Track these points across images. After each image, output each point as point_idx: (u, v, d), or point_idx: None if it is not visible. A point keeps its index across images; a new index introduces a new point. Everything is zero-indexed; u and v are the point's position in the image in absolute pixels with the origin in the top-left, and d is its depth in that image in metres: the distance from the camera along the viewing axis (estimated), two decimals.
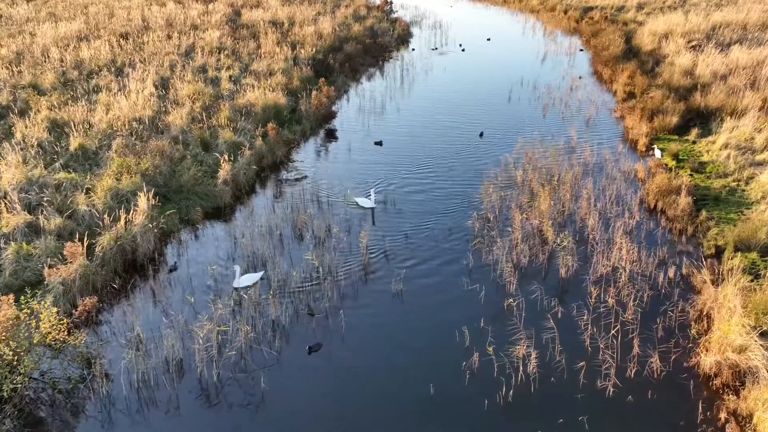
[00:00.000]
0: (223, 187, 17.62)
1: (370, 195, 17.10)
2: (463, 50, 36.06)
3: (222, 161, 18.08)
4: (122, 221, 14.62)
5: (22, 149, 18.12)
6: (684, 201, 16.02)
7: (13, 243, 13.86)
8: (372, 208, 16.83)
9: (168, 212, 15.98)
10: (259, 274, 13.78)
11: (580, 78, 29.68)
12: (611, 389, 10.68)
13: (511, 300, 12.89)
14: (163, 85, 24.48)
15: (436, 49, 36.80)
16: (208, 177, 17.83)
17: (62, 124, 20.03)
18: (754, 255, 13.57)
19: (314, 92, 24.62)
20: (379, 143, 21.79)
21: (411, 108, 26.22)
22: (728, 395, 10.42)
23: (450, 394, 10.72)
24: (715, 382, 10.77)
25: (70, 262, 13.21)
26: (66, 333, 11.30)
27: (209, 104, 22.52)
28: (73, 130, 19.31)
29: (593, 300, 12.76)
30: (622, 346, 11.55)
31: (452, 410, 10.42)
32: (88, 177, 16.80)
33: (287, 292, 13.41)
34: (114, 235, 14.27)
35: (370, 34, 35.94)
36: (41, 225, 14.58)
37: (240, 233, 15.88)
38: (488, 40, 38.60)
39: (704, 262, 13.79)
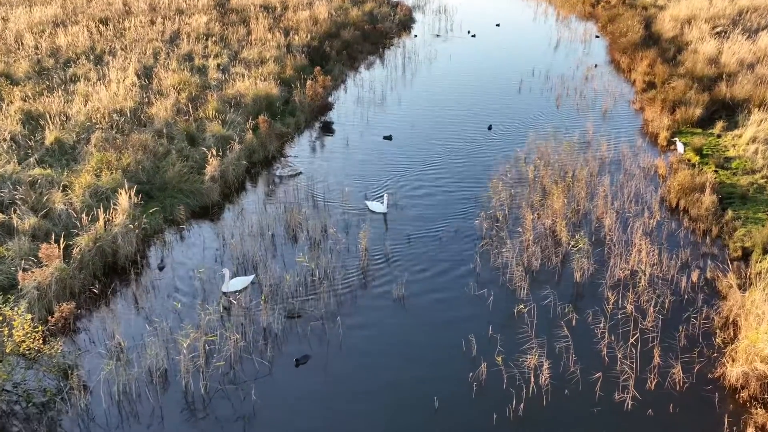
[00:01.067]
0: (211, 184, 17.62)
1: (382, 199, 16.90)
2: (473, 36, 36.13)
3: (209, 156, 18.09)
4: (102, 221, 14.62)
5: None
6: (708, 199, 16.02)
7: None
8: (384, 214, 16.66)
9: (151, 211, 15.98)
10: (250, 278, 13.78)
11: (595, 66, 29.69)
12: (630, 402, 10.68)
13: (521, 306, 12.90)
14: (146, 74, 24.47)
15: (440, 36, 36.81)
16: (194, 173, 17.83)
17: (37, 116, 20.03)
18: None
19: (309, 82, 24.62)
20: (388, 138, 21.76)
21: (413, 99, 26.21)
22: (756, 409, 10.42)
23: (456, 407, 10.71)
24: (741, 394, 10.77)
25: (46, 265, 13.21)
26: (41, 341, 11.30)
27: (196, 95, 22.50)
28: (49, 122, 19.31)
29: (610, 306, 12.77)
30: (641, 356, 11.55)
31: (458, 425, 10.41)
32: (65, 173, 16.80)
33: (280, 297, 13.41)
34: (93, 236, 14.27)
35: (369, 20, 35.92)
36: (14, 225, 14.57)
37: (229, 234, 15.89)
38: (497, 26, 38.59)
39: (730, 266, 13.79)
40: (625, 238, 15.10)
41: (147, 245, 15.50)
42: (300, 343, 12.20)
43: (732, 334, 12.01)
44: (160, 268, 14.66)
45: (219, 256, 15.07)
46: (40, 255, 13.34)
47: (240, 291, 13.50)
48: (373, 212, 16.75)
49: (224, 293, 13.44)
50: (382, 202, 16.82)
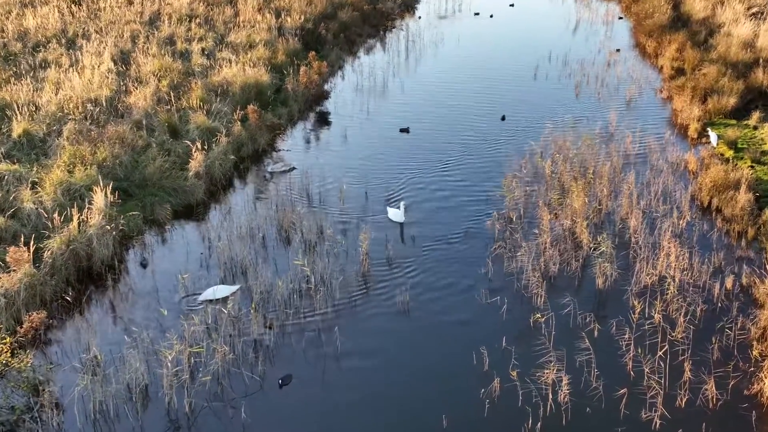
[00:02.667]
0: (195, 180, 17.64)
1: (399, 206, 16.32)
2: (491, 16, 36.27)
3: (194, 150, 18.11)
4: (75, 222, 14.63)
5: None
6: (744, 198, 16.04)
7: None
8: (401, 223, 16.20)
9: (130, 211, 15.99)
10: (236, 287, 13.77)
11: (617, 51, 29.71)
12: (658, 421, 10.69)
13: (538, 315, 12.92)
14: (123, 59, 24.49)
15: (446, 17, 36.86)
16: (177, 169, 17.85)
17: (3, 106, 20.04)
18: None
19: (303, 68, 24.65)
20: (405, 130, 21.71)
21: (418, 87, 26.23)
22: None
23: (466, 427, 10.73)
24: None
25: (14, 270, 13.23)
26: (9, 354, 11.32)
27: (178, 82, 22.52)
28: (17, 113, 19.32)
29: (636, 315, 12.78)
30: (670, 370, 11.57)
31: None
32: (35, 169, 16.82)
33: (272, 305, 13.44)
34: (66, 238, 14.28)
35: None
36: None
37: (215, 236, 15.91)
38: (511, 6, 38.69)
39: None
40: (652, 241, 15.11)
41: (125, 248, 15.52)
42: (294, 356, 12.22)
43: None
44: (143, 266, 14.69)
45: (205, 259, 15.09)
46: (7, 259, 13.36)
47: (228, 297, 13.47)
48: (392, 221, 16.35)
49: (208, 300, 13.44)
50: (399, 210, 16.24)
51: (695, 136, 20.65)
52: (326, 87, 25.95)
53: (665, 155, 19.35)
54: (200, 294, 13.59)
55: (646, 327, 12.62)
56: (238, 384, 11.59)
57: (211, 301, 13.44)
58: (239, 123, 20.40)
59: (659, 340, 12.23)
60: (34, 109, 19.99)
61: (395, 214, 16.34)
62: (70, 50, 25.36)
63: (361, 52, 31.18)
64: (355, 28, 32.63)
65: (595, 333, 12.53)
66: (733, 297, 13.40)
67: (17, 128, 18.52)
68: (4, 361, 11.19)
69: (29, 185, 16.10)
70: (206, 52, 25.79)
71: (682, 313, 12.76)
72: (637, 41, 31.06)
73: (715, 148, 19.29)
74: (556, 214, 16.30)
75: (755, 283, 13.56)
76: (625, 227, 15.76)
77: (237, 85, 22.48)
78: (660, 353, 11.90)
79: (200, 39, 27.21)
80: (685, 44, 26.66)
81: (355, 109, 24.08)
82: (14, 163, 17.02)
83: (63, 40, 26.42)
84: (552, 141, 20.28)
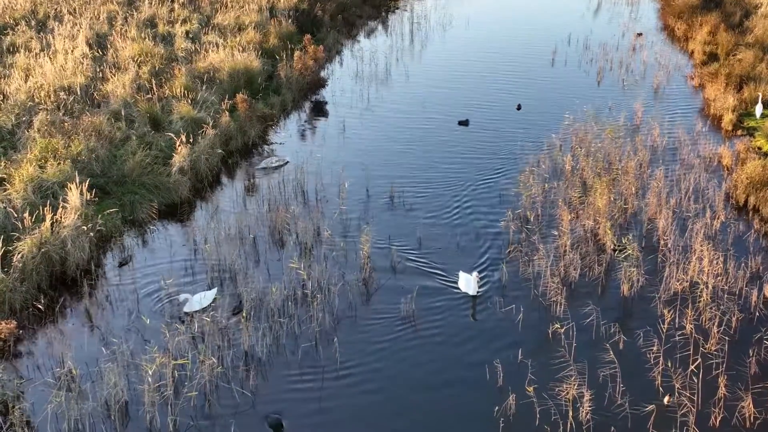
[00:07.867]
0: (179, 177, 17.68)
1: (472, 276, 13.96)
2: None
3: (177, 143, 18.15)
4: (48, 222, 14.66)
5: None
6: None
7: None
8: (474, 296, 13.93)
9: (107, 210, 16.03)
10: (213, 292, 13.81)
11: (639, 35, 29.75)
12: None
13: (557, 325, 12.92)
14: (100, 44, 24.53)
15: None
16: (159, 164, 17.88)
17: None
18: None
19: (297, 53, 24.69)
20: (464, 123, 21.68)
21: (424, 74, 26.26)
22: None
23: None
24: None
25: None
26: None
27: (160, 69, 22.55)
28: None
29: (665, 325, 12.80)
30: (703, 386, 11.57)
31: None
32: (3, 164, 16.85)
33: (264, 314, 13.46)
34: (37, 240, 14.30)
35: None
36: None
37: (201, 237, 15.94)
38: None
39: None
40: (683, 244, 15.12)
41: (102, 251, 15.55)
42: (289, 369, 12.24)
43: None
44: (122, 264, 14.82)
45: (190, 263, 15.12)
46: None
47: (206, 308, 13.47)
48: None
49: (186, 313, 13.47)
50: (470, 280, 13.93)
51: (730, 127, 20.65)
52: (323, 74, 25.97)
53: (697, 149, 19.36)
54: (185, 304, 13.56)
55: (677, 338, 12.63)
56: (228, 400, 11.59)
57: (197, 311, 13.45)
58: (227, 113, 20.42)
59: (691, 352, 12.24)
60: (1, 98, 20.03)
61: (466, 283, 14.06)
62: (41, 33, 25.40)
63: (361, 36, 31.22)
64: (355, 8, 32.71)
65: (621, 345, 12.53)
66: None
67: None
68: None
69: None
70: (191, 36, 25.83)
71: (716, 323, 12.77)
72: (666, 23, 31.08)
73: (752, 141, 19.28)
74: (577, 213, 16.32)
75: None
76: (653, 228, 15.77)
77: (225, 72, 22.51)
78: (692, 367, 11.91)
79: (184, 21, 27.25)
80: (719, 26, 26.70)
81: (354, 98, 24.10)
82: None
83: (33, 22, 26.45)
84: (572, 133, 20.30)
